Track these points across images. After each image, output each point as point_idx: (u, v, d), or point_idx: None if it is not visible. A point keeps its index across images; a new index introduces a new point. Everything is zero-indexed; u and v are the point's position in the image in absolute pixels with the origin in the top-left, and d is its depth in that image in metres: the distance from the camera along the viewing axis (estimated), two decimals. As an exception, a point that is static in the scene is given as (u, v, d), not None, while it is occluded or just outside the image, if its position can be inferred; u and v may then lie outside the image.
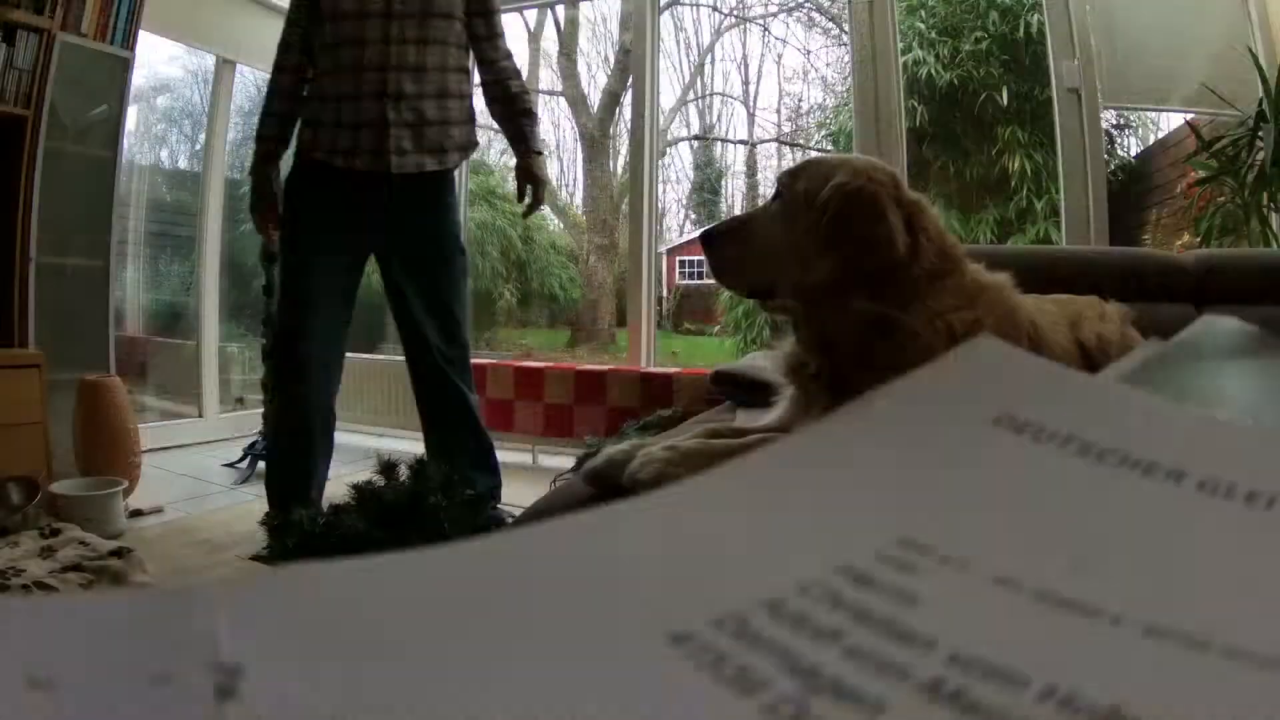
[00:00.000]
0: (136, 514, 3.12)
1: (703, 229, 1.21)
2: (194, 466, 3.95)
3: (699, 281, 8.56)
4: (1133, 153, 5.39)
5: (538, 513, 1.18)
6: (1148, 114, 5.14)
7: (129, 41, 3.77)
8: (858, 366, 1.08)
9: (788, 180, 1.20)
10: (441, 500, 2.13)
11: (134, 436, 3.46)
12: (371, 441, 4.32)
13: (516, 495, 2.71)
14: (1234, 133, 3.35)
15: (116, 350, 3.89)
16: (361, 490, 2.21)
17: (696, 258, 8.61)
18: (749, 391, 1.69)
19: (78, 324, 3.71)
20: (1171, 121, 4.57)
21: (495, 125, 2.86)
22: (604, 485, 1.13)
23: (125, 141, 4.75)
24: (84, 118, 3.74)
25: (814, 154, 7.75)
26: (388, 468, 2.37)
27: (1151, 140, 5.09)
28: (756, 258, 1.21)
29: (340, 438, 2.85)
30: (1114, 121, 5.23)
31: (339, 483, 2.61)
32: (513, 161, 2.79)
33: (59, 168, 3.59)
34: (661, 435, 1.40)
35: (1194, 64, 3.65)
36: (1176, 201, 4.35)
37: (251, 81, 5.46)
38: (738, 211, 8.50)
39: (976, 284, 1.16)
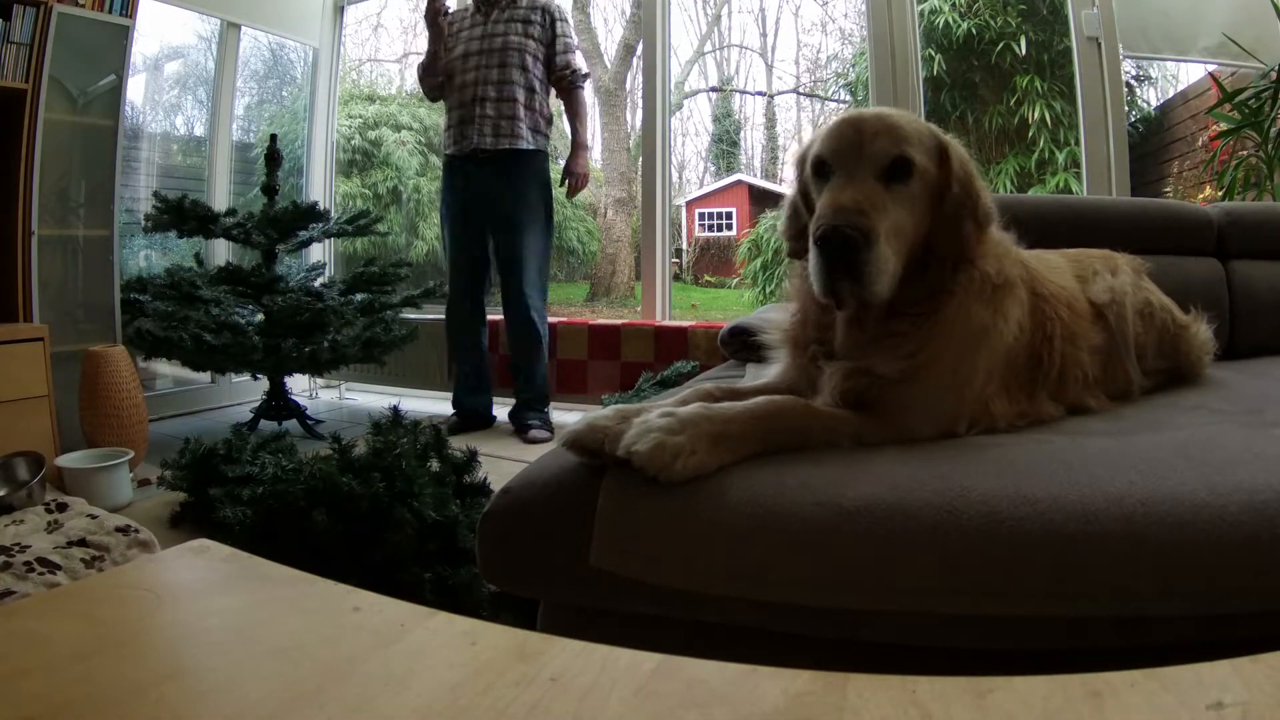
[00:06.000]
0: (144, 483, 3.11)
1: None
2: (205, 431, 3.92)
3: (718, 234, 8.49)
4: (1152, 105, 5.27)
5: (527, 480, 1.13)
6: (1166, 66, 5.03)
7: (128, 9, 3.70)
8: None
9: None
10: (407, 449, 2.23)
11: (140, 406, 3.45)
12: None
13: (532, 454, 2.68)
14: (1257, 85, 3.25)
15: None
16: (340, 443, 2.32)
17: (715, 209, 8.52)
18: (760, 349, 1.64)
19: (84, 295, 3.69)
20: (1190, 75, 4.47)
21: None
22: (586, 452, 1.08)
23: (137, 109, 4.73)
24: (91, 88, 3.68)
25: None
26: (379, 426, 2.44)
27: (1171, 93, 4.97)
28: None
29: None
30: (1133, 73, 5.12)
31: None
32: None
33: (60, 139, 3.55)
34: (663, 395, 1.37)
35: (1215, 14, 3.54)
36: (1197, 155, 4.25)
37: (265, 45, 5.39)
38: (757, 164, 8.42)
39: None
